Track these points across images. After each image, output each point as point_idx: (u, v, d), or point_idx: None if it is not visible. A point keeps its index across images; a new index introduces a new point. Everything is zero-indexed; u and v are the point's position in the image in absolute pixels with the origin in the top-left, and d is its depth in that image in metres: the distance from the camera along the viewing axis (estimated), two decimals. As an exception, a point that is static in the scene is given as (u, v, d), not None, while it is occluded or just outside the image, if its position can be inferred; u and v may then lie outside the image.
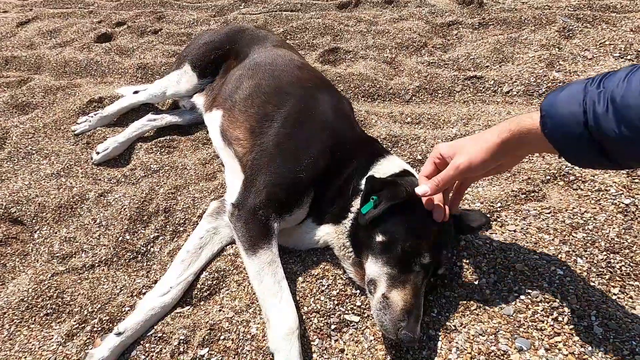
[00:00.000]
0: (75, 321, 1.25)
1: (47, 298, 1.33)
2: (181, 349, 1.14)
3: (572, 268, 1.18)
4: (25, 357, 1.18)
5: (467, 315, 1.14)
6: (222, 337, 1.15)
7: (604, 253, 1.21)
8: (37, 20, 3.46)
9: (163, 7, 3.48)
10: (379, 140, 1.69)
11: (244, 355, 1.10)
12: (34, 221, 1.63)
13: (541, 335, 1.06)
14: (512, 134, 0.90)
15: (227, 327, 1.16)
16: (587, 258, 1.20)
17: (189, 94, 1.99)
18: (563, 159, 0.88)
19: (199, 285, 1.30)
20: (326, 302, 1.20)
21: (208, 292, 1.30)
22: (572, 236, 1.26)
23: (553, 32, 2.34)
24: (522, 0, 2.87)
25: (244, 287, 1.29)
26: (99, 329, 1.22)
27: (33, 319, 1.29)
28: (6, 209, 1.67)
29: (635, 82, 0.71)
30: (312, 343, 1.12)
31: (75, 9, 3.61)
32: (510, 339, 1.06)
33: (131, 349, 1.16)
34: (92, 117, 2.10)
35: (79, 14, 3.50)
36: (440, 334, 1.10)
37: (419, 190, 1.05)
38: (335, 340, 1.12)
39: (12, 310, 1.31)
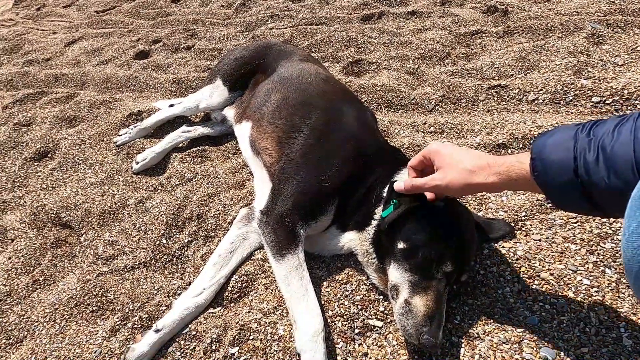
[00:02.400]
0: (117, 318, 1.36)
1: (93, 296, 1.45)
2: (213, 347, 1.21)
3: (599, 279, 1.17)
4: (75, 350, 1.29)
5: (491, 323, 1.15)
6: (251, 337, 1.21)
7: (635, 264, 1.18)
8: (83, 40, 3.75)
9: (195, 24, 3.69)
10: (402, 149, 1.73)
11: (272, 355, 1.16)
12: (80, 225, 1.78)
13: (567, 346, 1.06)
14: (498, 178, 0.91)
15: (256, 327, 1.23)
16: (616, 269, 1.18)
17: (220, 107, 2.11)
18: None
19: (229, 288, 1.38)
20: (350, 306, 1.25)
21: (238, 294, 1.37)
22: (600, 246, 1.24)
23: (581, 38, 2.30)
24: (549, 7, 2.83)
25: (272, 290, 1.35)
26: (139, 326, 1.32)
27: (81, 315, 1.41)
28: (57, 214, 1.83)
29: (625, 132, 0.72)
30: (336, 346, 1.16)
31: (116, 29, 3.88)
32: (535, 349, 1.06)
33: (168, 345, 1.25)
34: (131, 129, 2.26)
35: (119, 33, 3.77)
36: (463, 341, 1.12)
37: (395, 185, 1.15)
38: (359, 344, 1.16)
39: (62, 307, 1.44)
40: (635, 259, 0.61)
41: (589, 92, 1.90)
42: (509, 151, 1.71)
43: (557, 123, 1.74)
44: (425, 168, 1.12)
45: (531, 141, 1.69)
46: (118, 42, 3.53)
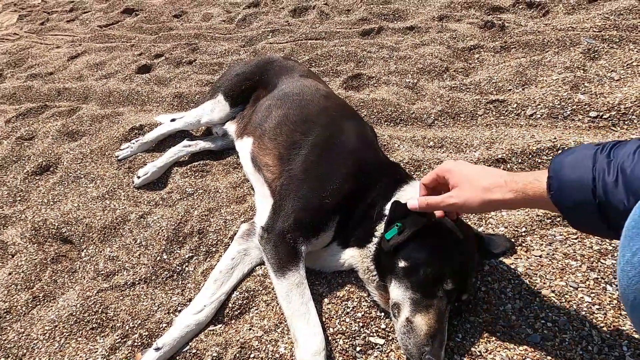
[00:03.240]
0: (117, 335, 1.35)
1: (93, 313, 1.44)
2: (214, 366, 1.20)
3: (601, 296, 1.16)
4: (74, 368, 1.28)
5: (493, 341, 1.14)
6: (252, 356, 1.20)
7: (635, 281, 1.18)
8: (86, 54, 3.81)
9: (197, 39, 3.74)
10: (402, 164, 1.74)
11: (273, 374, 1.15)
12: (81, 241, 1.78)
13: (570, 365, 1.05)
14: (515, 195, 0.91)
15: (257, 345, 1.22)
16: (617, 286, 1.18)
17: (221, 121, 2.13)
18: None
19: (230, 304, 1.38)
20: (351, 324, 1.24)
21: (239, 311, 1.37)
22: (601, 263, 1.25)
23: (577, 53, 2.33)
24: (545, 22, 2.88)
25: (273, 307, 1.35)
26: (139, 343, 1.31)
27: (80, 333, 1.40)
28: (58, 229, 1.83)
29: None
30: (338, 364, 1.16)
31: (118, 43, 3.94)
32: (537, 367, 1.06)
33: (168, 364, 1.24)
34: (133, 143, 2.27)
35: (122, 47, 3.82)
36: (465, 359, 1.11)
37: (409, 203, 1.12)
38: (361, 362, 1.15)
39: (62, 324, 1.43)
40: (630, 288, 0.61)
41: (586, 107, 1.93)
42: (508, 166, 1.72)
43: (555, 138, 1.75)
44: (438, 186, 1.12)
45: (530, 156, 1.71)
46: (120, 57, 3.57)
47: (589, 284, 1.20)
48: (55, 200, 2.05)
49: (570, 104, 1.97)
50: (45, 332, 1.42)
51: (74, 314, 1.45)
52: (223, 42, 3.60)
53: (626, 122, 1.82)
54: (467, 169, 1.02)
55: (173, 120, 2.34)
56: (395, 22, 3.41)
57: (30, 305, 1.55)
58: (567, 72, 2.21)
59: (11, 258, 1.76)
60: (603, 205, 0.76)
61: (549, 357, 1.07)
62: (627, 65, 2.14)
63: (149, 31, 4.16)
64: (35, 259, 1.72)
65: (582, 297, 1.16)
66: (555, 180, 0.83)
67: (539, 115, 2.00)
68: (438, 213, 1.14)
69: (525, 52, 2.55)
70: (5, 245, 1.82)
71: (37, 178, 2.24)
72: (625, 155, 0.75)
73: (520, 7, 3.14)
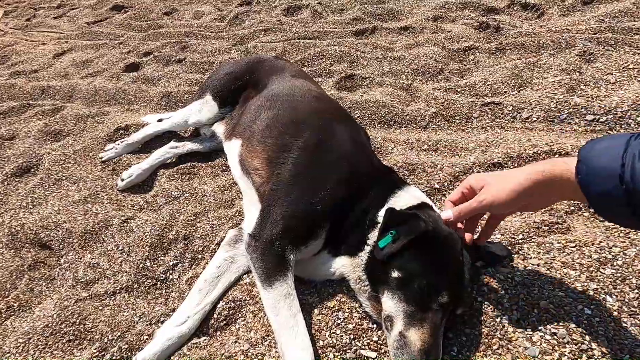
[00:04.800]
0: (95, 349, 1.28)
1: (70, 324, 1.37)
2: (197, 382, 1.14)
3: (601, 307, 1.12)
4: (47, 385, 1.21)
5: (489, 354, 1.09)
6: (237, 371, 1.14)
7: (636, 291, 1.14)
8: (72, 51, 3.70)
9: (187, 37, 3.65)
10: (396, 168, 1.69)
11: (259, 391, 1.09)
12: (61, 246, 1.70)
13: (570, 380, 1.00)
14: (543, 176, 0.90)
15: (243, 360, 1.16)
16: (617, 296, 1.14)
17: (209, 122, 2.06)
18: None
19: (215, 315, 1.31)
20: (342, 336, 1.18)
21: (224, 322, 1.30)
22: (600, 272, 1.20)
23: (573, 56, 2.31)
24: (540, 24, 2.86)
25: (260, 318, 1.29)
26: (118, 357, 1.24)
27: (56, 345, 1.33)
28: (36, 234, 1.75)
29: None
30: (327, 380, 1.10)
31: (106, 41, 3.83)
32: (536, 383, 1.01)
33: (148, 379, 1.17)
34: (118, 144, 2.19)
35: (110, 45, 3.72)
36: (460, 374, 1.06)
37: (443, 215, 1.12)
38: (352, 378, 1.10)
39: (37, 336, 1.35)
40: None
41: (582, 110, 1.90)
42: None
43: (551, 142, 1.72)
44: (465, 200, 1.11)
45: (526, 160, 1.66)
46: (108, 54, 3.48)
47: (588, 295, 1.15)
48: (34, 203, 1.96)
49: (566, 107, 1.94)
50: (18, 344, 1.34)
51: (50, 325, 1.37)
52: (214, 41, 3.52)
53: (623, 126, 1.79)
54: (495, 173, 1.05)
55: (160, 120, 2.27)
56: (389, 22, 3.36)
57: (4, 315, 1.47)
58: (563, 74, 2.18)
59: (-14, 265, 1.67)
60: (631, 193, 0.74)
61: (547, 372, 1.02)
62: (624, 68, 2.11)
63: (138, 28, 4.06)
64: (11, 266, 1.64)
65: (582, 309, 1.12)
66: (583, 165, 0.82)
67: (535, 118, 1.96)
68: (468, 236, 1.14)
69: (520, 54, 2.52)
70: (-20, 251, 1.73)
71: (16, 180, 2.14)
72: None
73: (515, 8, 3.12)
